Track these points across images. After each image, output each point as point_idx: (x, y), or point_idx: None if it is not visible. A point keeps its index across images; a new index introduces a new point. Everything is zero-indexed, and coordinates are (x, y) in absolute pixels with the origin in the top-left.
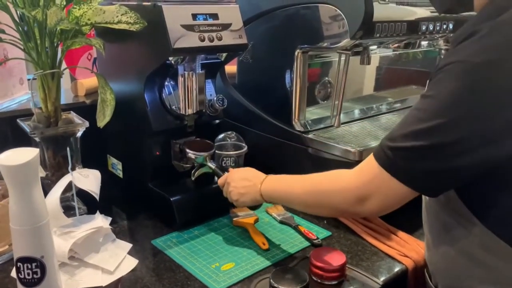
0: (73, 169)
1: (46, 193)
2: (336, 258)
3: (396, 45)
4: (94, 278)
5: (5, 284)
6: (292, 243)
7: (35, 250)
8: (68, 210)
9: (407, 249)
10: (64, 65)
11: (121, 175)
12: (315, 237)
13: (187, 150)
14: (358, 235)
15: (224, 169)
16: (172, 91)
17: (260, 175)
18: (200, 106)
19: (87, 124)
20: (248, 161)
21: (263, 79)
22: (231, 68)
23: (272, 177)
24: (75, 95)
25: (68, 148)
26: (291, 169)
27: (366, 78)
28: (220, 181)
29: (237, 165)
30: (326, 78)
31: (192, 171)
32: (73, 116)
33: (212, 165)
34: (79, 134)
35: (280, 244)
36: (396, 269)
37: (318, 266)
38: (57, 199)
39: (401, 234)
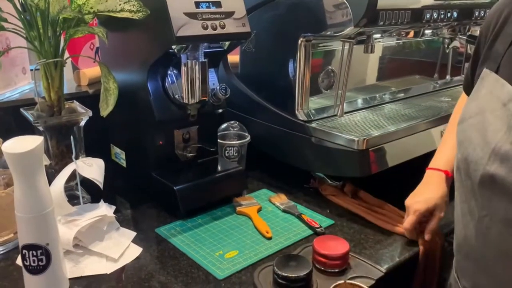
0: (76, 158)
1: (50, 182)
2: (339, 246)
3: (403, 33)
4: (98, 266)
5: (10, 271)
6: (295, 231)
7: (40, 238)
8: (72, 199)
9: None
10: (66, 54)
11: (124, 165)
12: (318, 226)
13: None
14: (362, 223)
15: None
16: (175, 80)
17: None
18: (203, 95)
19: (90, 113)
20: (250, 150)
21: (266, 69)
22: (234, 57)
23: None
24: (78, 84)
25: (71, 137)
26: (294, 158)
27: (369, 68)
28: None
29: (240, 154)
30: (329, 67)
31: None
32: (76, 105)
33: None
34: (82, 123)
35: (283, 233)
36: (404, 256)
37: (321, 254)
38: (61, 187)
39: None
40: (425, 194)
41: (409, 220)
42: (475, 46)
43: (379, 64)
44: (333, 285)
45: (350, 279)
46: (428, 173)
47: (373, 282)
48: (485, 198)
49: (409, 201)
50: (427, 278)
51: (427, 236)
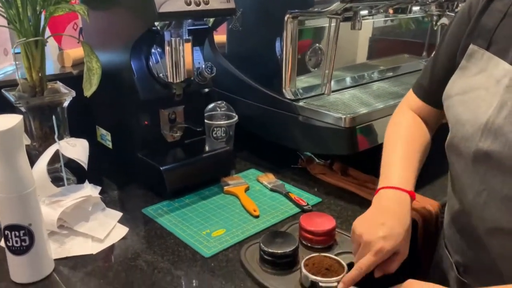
0: (60, 139)
1: (33, 164)
2: (325, 223)
3: (391, 10)
4: (84, 246)
5: None
6: (283, 209)
7: (22, 218)
8: (57, 181)
9: (414, 204)
10: (48, 33)
11: (110, 146)
12: (306, 203)
13: (311, 276)
14: (349, 200)
15: None
16: (159, 59)
17: None
18: (188, 74)
19: (73, 93)
20: (238, 130)
21: (253, 47)
22: (220, 37)
23: None
24: (62, 65)
25: (53, 117)
26: (282, 137)
27: (358, 48)
28: None
29: (227, 135)
30: (317, 44)
31: None
32: (60, 85)
33: None
34: (65, 104)
35: (270, 211)
36: None
37: (307, 231)
38: (44, 167)
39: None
40: (393, 227)
41: (367, 262)
42: (458, 20)
43: (368, 44)
44: (305, 258)
45: (336, 255)
46: (387, 194)
47: None
48: (481, 174)
49: (368, 234)
50: (423, 252)
51: (377, 274)
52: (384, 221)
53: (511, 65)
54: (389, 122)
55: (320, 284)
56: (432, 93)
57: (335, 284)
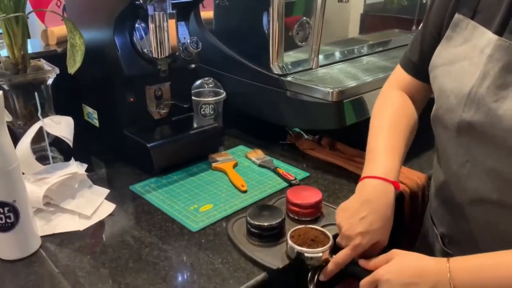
0: (45, 117)
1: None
2: (312, 196)
3: None
4: (71, 223)
5: None
6: (271, 184)
7: (6, 194)
8: (43, 160)
9: (401, 178)
10: (29, 9)
11: (97, 124)
12: (293, 178)
13: (297, 247)
14: (337, 174)
15: (359, 272)
16: (143, 35)
17: (429, 266)
18: (173, 49)
19: (57, 70)
20: (226, 107)
21: (240, 22)
22: (207, 13)
23: (464, 264)
24: (46, 43)
25: (36, 93)
26: (270, 113)
27: (350, 24)
28: (366, 287)
29: (216, 112)
30: (304, 18)
31: (309, 277)
32: (43, 63)
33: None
34: (49, 81)
35: (258, 186)
36: None
37: (294, 204)
38: (28, 144)
39: None
40: (372, 223)
41: (344, 257)
42: None
43: (360, 19)
44: (291, 230)
45: (322, 227)
46: (371, 184)
47: None
48: (464, 145)
49: (347, 227)
50: (409, 224)
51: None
52: (364, 215)
53: (495, 34)
54: (375, 104)
55: (305, 254)
56: (422, 67)
57: (320, 254)
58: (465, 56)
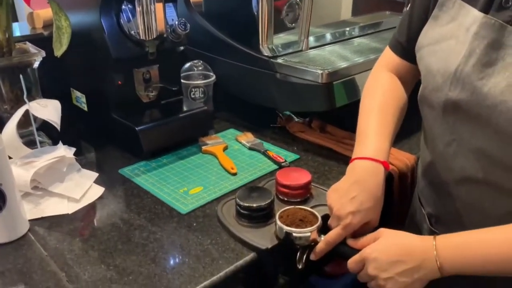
0: (31, 101)
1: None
2: (301, 177)
3: None
4: (60, 207)
5: None
6: (261, 166)
7: None
8: (31, 144)
9: (391, 159)
10: None
11: (85, 108)
12: (283, 160)
13: (285, 227)
14: (327, 156)
15: (347, 252)
16: (130, 17)
17: (416, 244)
18: (161, 31)
19: (43, 53)
20: (217, 90)
21: (230, 4)
22: None
23: (450, 241)
24: (33, 27)
25: (21, 76)
26: (261, 96)
27: (342, 5)
28: (353, 268)
29: (206, 95)
30: None
31: (297, 256)
32: (29, 46)
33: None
34: (36, 65)
35: (248, 168)
36: None
37: (283, 185)
38: (13, 128)
39: None
40: (362, 202)
41: (335, 236)
42: None
43: (352, 1)
44: (280, 210)
45: (311, 207)
46: (361, 165)
47: None
48: (450, 124)
49: (338, 207)
50: (398, 205)
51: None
52: (354, 195)
53: (481, 12)
54: (365, 85)
55: (294, 234)
56: (410, 48)
57: (308, 234)
58: (451, 35)
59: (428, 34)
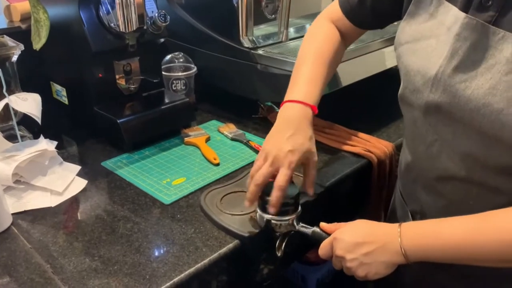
0: (10, 94)
1: None
2: None
3: None
4: (42, 200)
5: None
6: (243, 157)
7: None
8: (12, 139)
9: (369, 147)
10: None
11: (66, 102)
12: None
13: (265, 215)
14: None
15: (318, 235)
16: (110, 9)
17: (382, 228)
18: (141, 23)
19: (22, 47)
20: (198, 82)
21: None
22: None
23: (413, 229)
24: (10, 20)
25: (0, 70)
26: (242, 87)
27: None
28: (324, 251)
29: (188, 87)
30: None
31: (277, 244)
32: (7, 39)
33: (305, 229)
34: (14, 58)
35: (231, 159)
36: (359, 163)
37: None
38: None
39: (362, 135)
40: (296, 140)
41: (284, 178)
42: None
43: None
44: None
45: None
46: (289, 107)
47: (314, 198)
48: (432, 125)
49: (276, 150)
50: (377, 192)
51: (311, 191)
52: (289, 135)
53: (461, 11)
54: (306, 34)
55: (273, 222)
56: (359, 13)
57: (287, 221)
58: (431, 34)
59: (406, 31)
